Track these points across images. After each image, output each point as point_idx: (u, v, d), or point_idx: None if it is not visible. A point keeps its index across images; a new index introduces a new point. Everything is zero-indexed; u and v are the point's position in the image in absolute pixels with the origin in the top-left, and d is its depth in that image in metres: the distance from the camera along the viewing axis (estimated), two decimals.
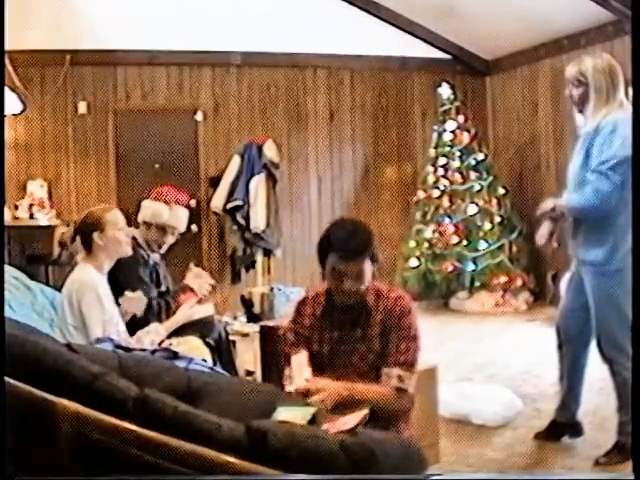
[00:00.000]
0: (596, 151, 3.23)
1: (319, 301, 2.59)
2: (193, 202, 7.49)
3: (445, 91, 7.80)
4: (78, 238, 3.35)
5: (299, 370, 2.43)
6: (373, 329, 2.48)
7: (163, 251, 4.05)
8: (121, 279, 3.55)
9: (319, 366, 2.51)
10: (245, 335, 4.52)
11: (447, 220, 7.57)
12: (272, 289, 6.83)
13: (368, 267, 2.46)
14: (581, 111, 3.37)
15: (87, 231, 3.31)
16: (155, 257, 4.02)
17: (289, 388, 2.40)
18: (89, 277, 3.24)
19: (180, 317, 3.64)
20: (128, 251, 3.43)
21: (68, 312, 3.20)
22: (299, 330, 2.59)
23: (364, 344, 2.48)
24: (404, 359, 2.41)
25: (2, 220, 5.60)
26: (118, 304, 3.44)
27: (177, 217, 4.06)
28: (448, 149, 7.71)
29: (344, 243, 2.44)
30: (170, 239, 4.03)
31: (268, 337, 4.33)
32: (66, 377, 1.67)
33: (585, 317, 3.39)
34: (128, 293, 3.49)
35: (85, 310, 3.15)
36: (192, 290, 3.80)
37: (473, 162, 7.63)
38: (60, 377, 1.66)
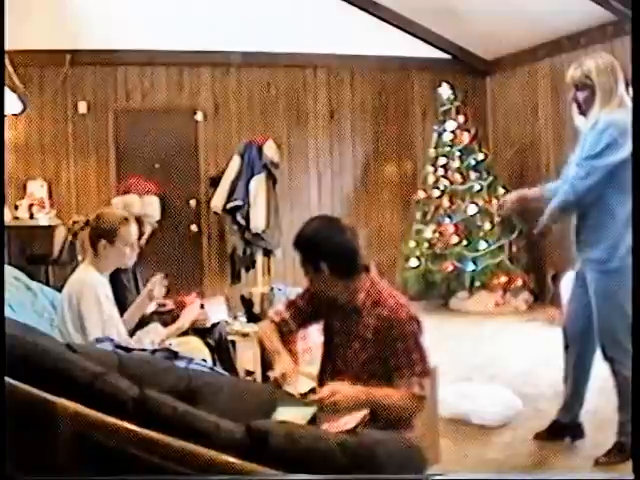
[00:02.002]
0: (586, 146, 3.26)
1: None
2: (193, 202, 7.51)
3: (445, 91, 7.80)
4: (86, 235, 3.33)
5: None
6: (365, 331, 2.47)
7: (143, 242, 4.04)
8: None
9: (326, 348, 2.60)
10: (245, 335, 4.51)
11: (447, 220, 7.57)
12: (272, 289, 6.81)
13: (324, 266, 2.46)
14: (584, 113, 3.36)
15: (95, 234, 3.30)
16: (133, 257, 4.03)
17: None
18: (89, 278, 3.23)
19: (185, 322, 3.62)
20: (128, 264, 3.41)
21: (67, 312, 3.20)
22: (300, 307, 2.66)
23: (357, 342, 2.49)
24: (420, 369, 2.39)
25: (2, 220, 5.59)
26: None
27: (149, 205, 4.10)
28: (448, 149, 7.71)
29: (296, 240, 2.54)
30: (147, 229, 4.05)
31: None
32: (66, 377, 1.67)
33: (590, 317, 3.39)
34: (156, 277, 3.51)
35: (84, 311, 3.15)
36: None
37: (473, 162, 7.63)
38: (60, 377, 1.66)
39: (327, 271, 2.46)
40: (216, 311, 3.96)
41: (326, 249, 2.47)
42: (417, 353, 2.40)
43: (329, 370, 2.58)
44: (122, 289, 3.73)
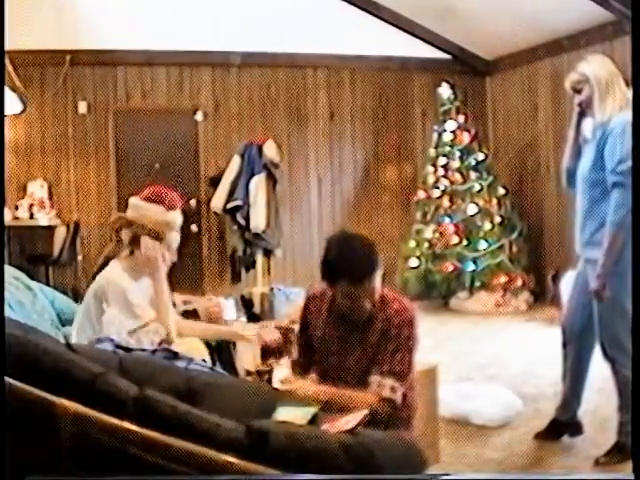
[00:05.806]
0: (609, 153, 3.21)
1: (325, 300, 2.60)
2: (193, 202, 7.51)
3: (445, 91, 7.80)
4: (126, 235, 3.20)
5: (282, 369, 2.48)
6: (372, 336, 2.47)
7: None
8: None
9: (319, 364, 2.56)
10: None
11: (447, 220, 7.57)
12: (272, 289, 6.83)
13: (379, 281, 2.45)
14: (591, 115, 3.34)
15: (138, 234, 3.17)
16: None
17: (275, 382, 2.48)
18: (117, 277, 3.12)
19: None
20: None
21: (113, 304, 3.04)
22: (303, 327, 2.65)
23: (360, 348, 2.49)
24: (399, 369, 2.41)
25: (2, 220, 5.60)
26: None
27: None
28: (448, 149, 7.71)
29: (355, 268, 2.40)
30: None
31: None
32: (66, 377, 1.67)
33: (589, 316, 3.40)
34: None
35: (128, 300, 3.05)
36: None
37: (473, 162, 7.63)
38: (60, 377, 1.66)
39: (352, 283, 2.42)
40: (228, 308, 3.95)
41: (379, 262, 2.44)
42: (401, 354, 2.42)
43: (322, 376, 2.57)
44: None
